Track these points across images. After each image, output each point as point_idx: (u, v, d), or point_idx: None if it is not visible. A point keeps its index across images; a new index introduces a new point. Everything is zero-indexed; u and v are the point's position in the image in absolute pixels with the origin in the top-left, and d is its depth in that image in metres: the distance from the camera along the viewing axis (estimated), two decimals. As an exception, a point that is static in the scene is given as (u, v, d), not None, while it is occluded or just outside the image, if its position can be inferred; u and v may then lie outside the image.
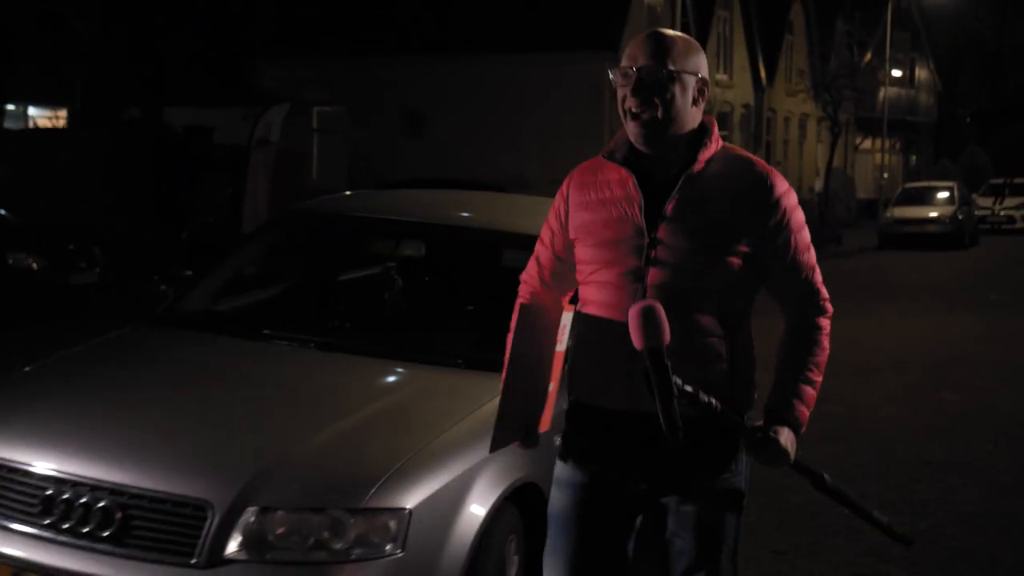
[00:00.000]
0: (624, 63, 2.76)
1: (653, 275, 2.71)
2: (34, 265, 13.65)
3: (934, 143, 49.54)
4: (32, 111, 30.40)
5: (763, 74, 33.16)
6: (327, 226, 5.49)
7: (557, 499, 2.90)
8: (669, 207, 2.73)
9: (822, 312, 2.86)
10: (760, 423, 2.77)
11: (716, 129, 2.83)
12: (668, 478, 2.80)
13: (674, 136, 2.76)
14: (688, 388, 2.56)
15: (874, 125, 38.47)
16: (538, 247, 3.01)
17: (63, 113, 30.06)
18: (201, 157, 22.97)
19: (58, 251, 14.00)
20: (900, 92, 43.41)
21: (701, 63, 2.79)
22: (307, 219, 5.59)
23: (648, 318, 2.50)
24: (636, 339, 2.52)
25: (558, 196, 2.94)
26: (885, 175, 40.02)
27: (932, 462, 7.05)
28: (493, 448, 2.92)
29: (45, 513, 3.40)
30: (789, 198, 2.80)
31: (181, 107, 26.21)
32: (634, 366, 2.64)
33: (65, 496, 3.40)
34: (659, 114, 2.72)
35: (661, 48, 2.73)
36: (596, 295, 2.81)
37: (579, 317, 2.88)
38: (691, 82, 2.76)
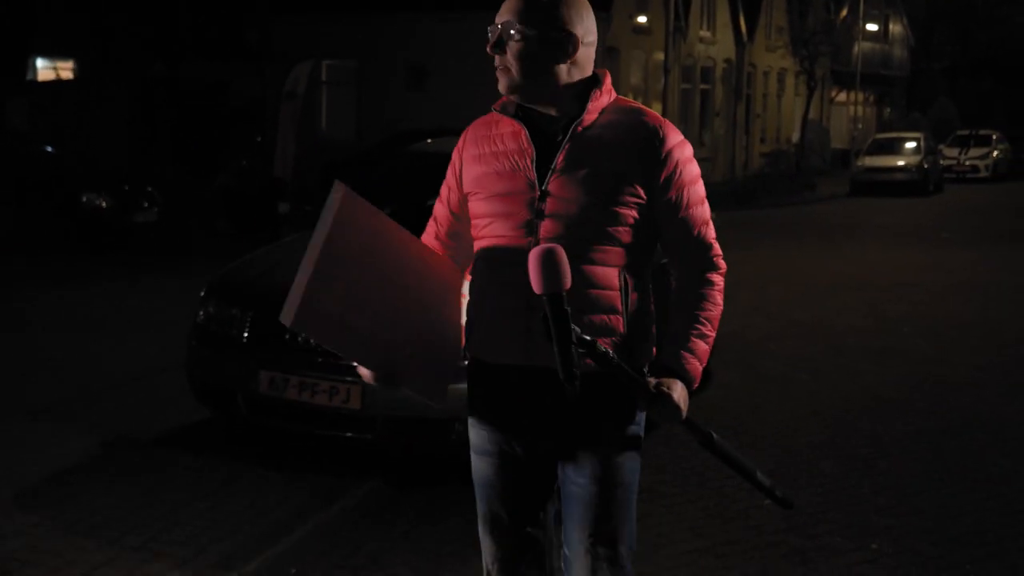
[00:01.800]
0: (496, 19, 2.75)
1: (544, 227, 2.70)
2: (103, 204, 15.39)
3: (907, 96, 51.32)
4: (40, 63, 31.50)
5: (744, 31, 34.69)
6: (420, 163, 7.43)
7: (476, 467, 2.92)
8: (559, 159, 2.71)
9: (714, 268, 2.82)
10: (652, 378, 2.71)
11: (608, 81, 2.81)
12: (566, 430, 2.79)
13: (553, 92, 2.74)
14: (587, 337, 2.51)
15: (849, 79, 40.31)
16: (436, 204, 2.98)
17: (68, 64, 31.43)
18: (223, 109, 24.78)
19: (122, 191, 15.71)
20: (874, 47, 45.15)
21: (572, 17, 2.72)
22: (405, 159, 7.56)
23: (548, 262, 2.45)
24: (535, 283, 2.45)
25: (455, 152, 2.92)
26: (859, 126, 41.97)
27: (874, 350, 9.06)
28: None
29: (294, 340, 5.38)
30: (682, 150, 2.75)
31: (192, 60, 27.84)
32: (532, 319, 2.65)
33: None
34: (515, 70, 2.71)
35: (523, 4, 2.71)
36: (489, 249, 2.79)
37: (475, 272, 2.85)
38: (556, 38, 2.70)
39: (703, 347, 2.76)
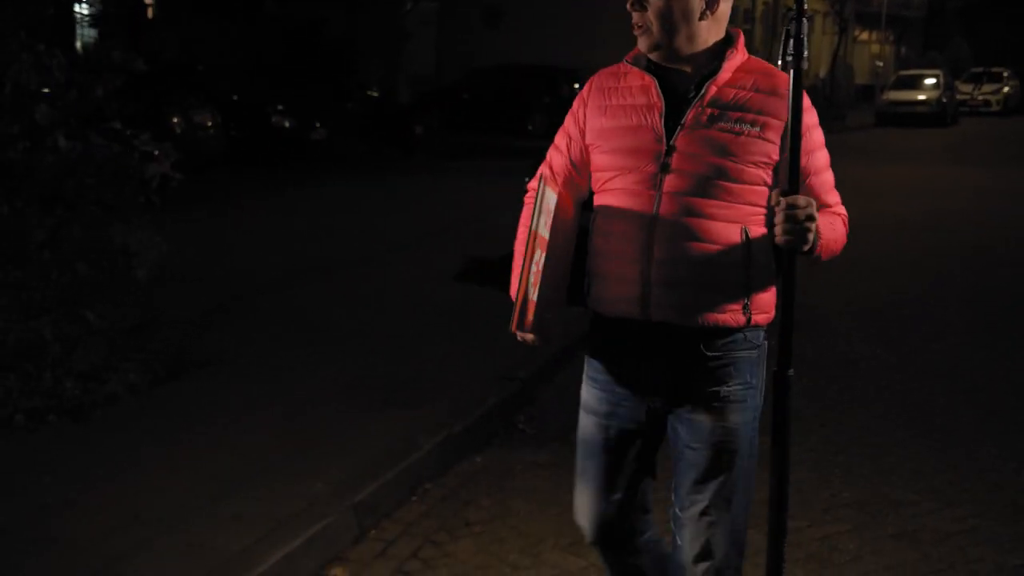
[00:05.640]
0: None
1: (668, 182, 2.65)
2: (286, 124, 18.80)
3: (923, 36, 53.87)
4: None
5: (780, -25, 38.15)
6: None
7: (584, 425, 2.91)
8: (689, 115, 2.66)
9: (840, 213, 2.81)
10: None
11: (741, 40, 2.74)
12: (681, 389, 2.75)
13: (687, 51, 2.68)
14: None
15: (873, 19, 43.48)
16: (551, 153, 2.92)
17: None
18: (321, 44, 28.28)
19: (298, 114, 18.98)
20: (896, -12, 48.15)
21: None
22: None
23: None
24: None
25: (577, 100, 2.87)
26: (879, 64, 45.27)
27: (917, 225, 13.01)
28: (522, 328, 2.82)
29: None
30: (810, 116, 2.69)
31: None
32: (650, 273, 2.65)
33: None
34: (655, 29, 2.65)
35: None
36: (611, 203, 2.73)
37: (594, 225, 2.79)
38: None
39: (840, 229, 2.77)
